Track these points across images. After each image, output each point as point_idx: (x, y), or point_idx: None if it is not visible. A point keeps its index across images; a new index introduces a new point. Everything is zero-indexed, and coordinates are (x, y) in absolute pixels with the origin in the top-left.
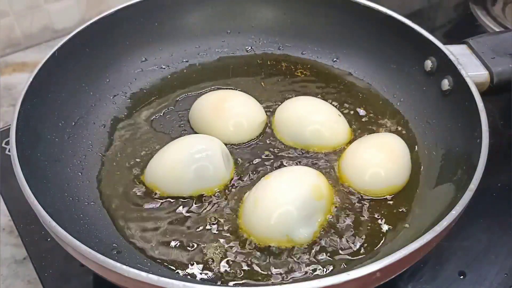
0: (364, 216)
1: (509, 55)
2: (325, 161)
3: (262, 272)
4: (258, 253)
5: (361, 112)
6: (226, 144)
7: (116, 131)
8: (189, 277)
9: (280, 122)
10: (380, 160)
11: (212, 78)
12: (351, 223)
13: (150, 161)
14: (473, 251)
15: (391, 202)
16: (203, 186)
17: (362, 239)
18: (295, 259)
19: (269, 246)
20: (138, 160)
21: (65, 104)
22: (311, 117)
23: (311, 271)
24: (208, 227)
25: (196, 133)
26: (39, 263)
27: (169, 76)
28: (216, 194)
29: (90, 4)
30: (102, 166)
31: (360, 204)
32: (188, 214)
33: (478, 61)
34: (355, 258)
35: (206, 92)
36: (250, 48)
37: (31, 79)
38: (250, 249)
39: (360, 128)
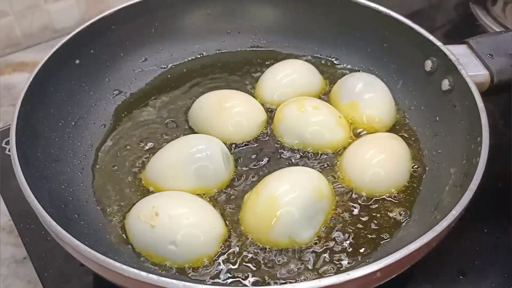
0: (365, 216)
1: (509, 55)
2: (326, 161)
3: (262, 272)
4: (259, 254)
5: None
6: (226, 144)
7: (116, 131)
8: (189, 277)
9: (280, 122)
10: (380, 160)
11: (212, 78)
12: (351, 223)
13: (150, 161)
14: (473, 251)
15: (391, 202)
16: (203, 186)
17: (363, 239)
18: (295, 259)
19: (270, 247)
20: (138, 160)
21: (65, 104)
22: (311, 118)
23: (311, 271)
24: None
25: (196, 133)
26: (39, 263)
27: (169, 76)
28: (216, 194)
29: (90, 4)
30: (102, 165)
31: (361, 204)
32: None
33: (478, 61)
34: (355, 258)
35: (206, 92)
36: (250, 48)
37: (31, 79)
38: (250, 249)
39: (360, 128)
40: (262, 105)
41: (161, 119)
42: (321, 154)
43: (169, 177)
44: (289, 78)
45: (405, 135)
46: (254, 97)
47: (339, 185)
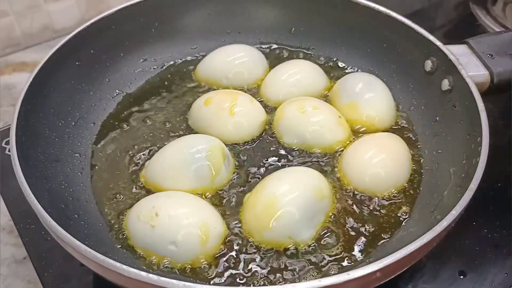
0: (364, 216)
1: (509, 55)
2: (325, 161)
3: (263, 272)
4: (259, 254)
5: None
6: (226, 144)
7: (116, 131)
8: (189, 277)
9: (280, 122)
10: (380, 160)
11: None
12: (351, 223)
13: (150, 160)
14: (473, 251)
15: (391, 202)
16: (203, 186)
17: (363, 238)
18: (295, 259)
19: (270, 247)
20: (138, 160)
21: (65, 104)
22: (311, 118)
23: (311, 271)
24: None
25: (196, 133)
26: (39, 263)
27: (169, 76)
28: (216, 194)
29: (90, 4)
30: (102, 166)
31: (361, 204)
32: None
33: (478, 61)
34: (355, 258)
35: (206, 92)
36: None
37: (31, 79)
38: (250, 249)
39: (360, 128)
40: (267, 105)
41: (161, 119)
42: (321, 154)
43: (169, 177)
44: (294, 78)
45: (405, 135)
46: (258, 96)
47: (339, 185)
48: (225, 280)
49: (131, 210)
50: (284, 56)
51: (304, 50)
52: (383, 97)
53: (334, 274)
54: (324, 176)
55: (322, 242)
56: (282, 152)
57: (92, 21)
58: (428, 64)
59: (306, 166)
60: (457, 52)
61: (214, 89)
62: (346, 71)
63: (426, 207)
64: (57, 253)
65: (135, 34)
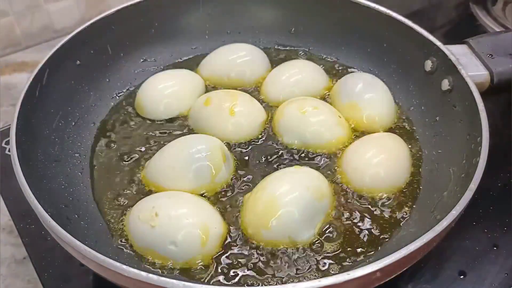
0: (364, 216)
1: (509, 55)
2: (325, 161)
3: (263, 272)
4: (259, 254)
5: None
6: (226, 144)
7: (115, 131)
8: (189, 277)
9: (280, 122)
10: (380, 160)
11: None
12: (352, 223)
13: (150, 160)
14: (473, 251)
15: (391, 202)
16: (203, 186)
17: (363, 238)
18: (295, 259)
19: (270, 247)
20: (138, 160)
21: (65, 104)
22: (311, 118)
23: (311, 271)
24: None
25: (196, 133)
26: (39, 263)
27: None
28: (216, 194)
29: (90, 4)
30: (101, 166)
31: (361, 204)
32: None
33: (478, 61)
34: (355, 257)
35: (206, 92)
36: None
37: (31, 79)
38: (250, 249)
39: (360, 128)
40: (268, 105)
41: (160, 119)
42: (321, 154)
43: (169, 177)
44: (295, 78)
45: (405, 135)
46: (259, 96)
47: (339, 185)
48: (225, 280)
49: (131, 210)
50: (284, 56)
51: (304, 50)
52: (383, 97)
53: (334, 274)
54: (324, 176)
55: (322, 242)
56: (282, 152)
57: (92, 21)
58: (428, 64)
59: (306, 166)
60: (457, 52)
61: (215, 88)
62: (346, 71)
63: (426, 207)
64: (57, 253)
65: (135, 34)
